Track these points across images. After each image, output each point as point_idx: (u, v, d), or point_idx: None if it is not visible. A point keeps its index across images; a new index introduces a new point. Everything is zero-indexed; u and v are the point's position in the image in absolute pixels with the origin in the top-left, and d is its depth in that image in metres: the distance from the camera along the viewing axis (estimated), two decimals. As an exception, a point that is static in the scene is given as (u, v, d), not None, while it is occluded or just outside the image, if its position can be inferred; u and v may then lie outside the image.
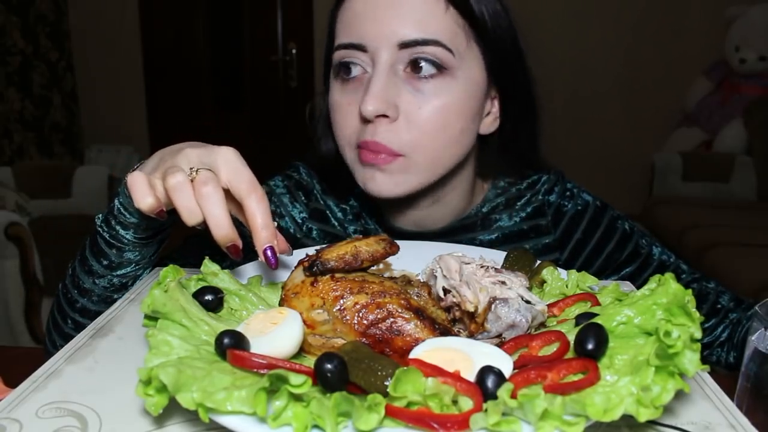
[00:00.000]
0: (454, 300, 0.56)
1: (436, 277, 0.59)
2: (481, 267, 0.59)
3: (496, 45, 0.82)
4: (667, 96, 4.35)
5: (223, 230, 0.60)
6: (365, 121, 0.79)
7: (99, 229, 0.76)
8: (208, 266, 0.64)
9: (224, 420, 0.43)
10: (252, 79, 4.83)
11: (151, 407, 0.44)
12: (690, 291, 0.49)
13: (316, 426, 0.42)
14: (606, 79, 4.35)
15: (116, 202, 0.74)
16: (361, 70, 0.80)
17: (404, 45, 0.77)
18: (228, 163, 0.61)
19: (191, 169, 0.61)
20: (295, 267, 0.59)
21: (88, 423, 0.47)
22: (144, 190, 0.62)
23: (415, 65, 0.77)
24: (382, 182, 0.81)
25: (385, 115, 0.77)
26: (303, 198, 0.99)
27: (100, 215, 0.77)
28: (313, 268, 0.57)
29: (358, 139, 0.81)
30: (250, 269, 0.72)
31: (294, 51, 4.66)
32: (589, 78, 4.33)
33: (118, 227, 0.74)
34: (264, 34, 4.71)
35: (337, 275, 0.56)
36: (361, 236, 0.60)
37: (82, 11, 4.68)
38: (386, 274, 0.64)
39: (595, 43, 4.34)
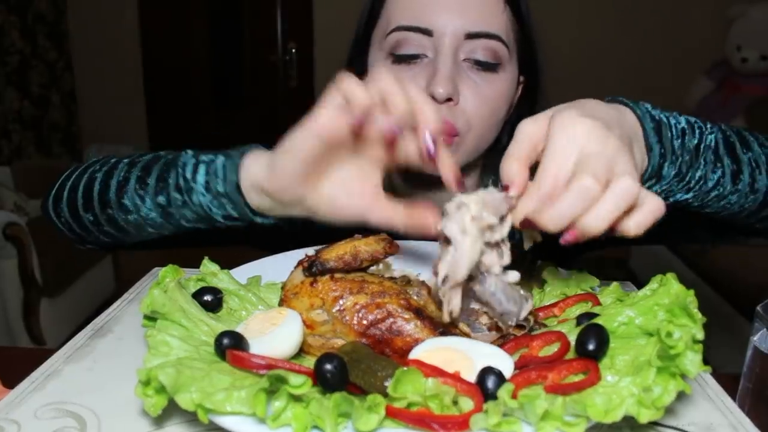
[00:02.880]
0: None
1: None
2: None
3: (528, 41, 0.90)
4: (668, 95, 4.34)
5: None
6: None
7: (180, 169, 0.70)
8: (208, 266, 0.64)
9: (223, 421, 0.42)
10: (252, 79, 4.82)
11: (150, 408, 0.44)
12: (692, 291, 0.49)
13: (315, 426, 0.42)
14: (607, 78, 4.35)
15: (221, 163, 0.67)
16: (422, 54, 0.83)
17: (470, 36, 0.81)
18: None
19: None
20: (295, 267, 0.59)
21: (86, 423, 0.47)
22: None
23: (475, 55, 0.82)
24: None
25: (450, 98, 0.81)
26: None
27: (191, 156, 0.71)
28: (313, 269, 0.56)
29: None
30: (250, 269, 0.72)
31: (294, 51, 4.66)
32: (589, 78, 4.33)
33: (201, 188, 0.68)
34: (264, 34, 4.71)
35: (337, 275, 0.56)
36: (360, 236, 0.60)
37: (81, 11, 4.67)
38: (386, 274, 0.63)
39: (595, 43, 4.34)
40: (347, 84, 0.57)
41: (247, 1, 4.67)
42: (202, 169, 0.68)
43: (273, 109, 4.77)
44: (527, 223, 0.50)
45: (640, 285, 0.60)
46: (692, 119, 0.64)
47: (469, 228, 0.50)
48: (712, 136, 0.65)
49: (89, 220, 0.77)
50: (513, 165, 0.53)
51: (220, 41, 4.79)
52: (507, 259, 0.54)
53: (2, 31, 3.98)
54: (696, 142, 0.63)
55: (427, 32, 0.82)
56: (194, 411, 0.42)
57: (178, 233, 0.76)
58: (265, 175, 0.63)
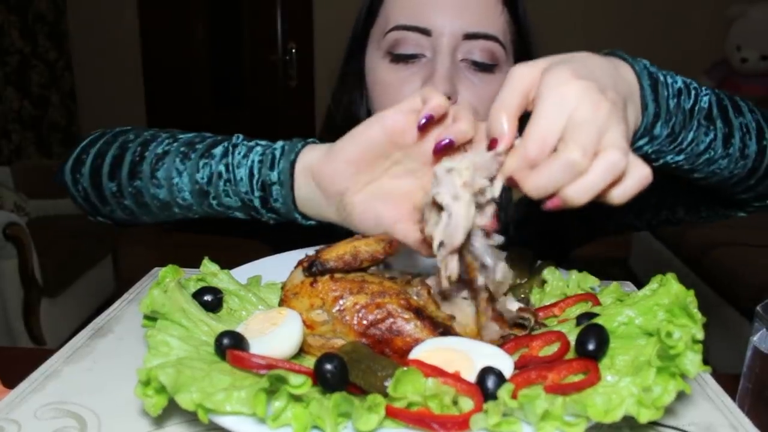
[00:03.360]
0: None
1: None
2: None
3: (525, 42, 0.90)
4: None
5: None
6: None
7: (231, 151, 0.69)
8: (208, 266, 0.64)
9: (223, 421, 0.42)
10: (252, 79, 4.82)
11: (150, 408, 0.44)
12: (692, 291, 0.49)
13: (315, 426, 0.42)
14: (606, 79, 4.36)
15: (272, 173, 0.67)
16: (420, 53, 0.84)
17: (468, 36, 0.81)
18: None
19: None
20: (295, 267, 0.59)
21: (87, 424, 0.47)
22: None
23: (473, 56, 0.83)
24: None
25: (448, 98, 0.80)
26: None
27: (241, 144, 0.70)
28: (313, 269, 0.56)
29: None
30: (250, 269, 0.72)
31: (294, 51, 4.66)
32: (588, 78, 4.33)
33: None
34: (264, 34, 4.71)
35: (337, 275, 0.56)
36: (360, 236, 0.60)
37: (81, 11, 4.67)
38: (386, 274, 0.63)
39: (595, 43, 4.33)
40: (430, 92, 0.59)
41: (247, 1, 4.67)
42: (258, 149, 0.68)
43: (273, 109, 4.77)
44: (511, 182, 0.50)
45: (640, 285, 0.60)
46: (688, 80, 0.64)
47: (462, 193, 0.50)
48: (707, 98, 0.64)
49: (111, 191, 0.75)
50: (502, 117, 0.51)
51: (220, 41, 4.79)
52: (489, 216, 0.53)
53: (2, 31, 3.98)
54: (691, 103, 0.62)
55: (425, 32, 0.82)
56: (194, 411, 0.42)
57: (199, 219, 0.75)
58: (321, 156, 0.64)
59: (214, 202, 0.70)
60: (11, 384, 0.54)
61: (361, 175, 0.62)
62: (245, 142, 0.70)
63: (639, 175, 0.48)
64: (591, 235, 1.02)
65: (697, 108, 0.63)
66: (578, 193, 0.47)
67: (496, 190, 0.52)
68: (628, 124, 0.51)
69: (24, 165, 3.60)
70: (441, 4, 0.82)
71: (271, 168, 0.66)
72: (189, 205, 0.72)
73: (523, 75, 0.52)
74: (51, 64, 4.49)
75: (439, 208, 0.51)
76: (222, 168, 0.68)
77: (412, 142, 0.61)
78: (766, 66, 3.89)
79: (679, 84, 0.62)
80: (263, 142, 0.70)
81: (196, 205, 0.72)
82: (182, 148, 0.71)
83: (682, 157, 0.63)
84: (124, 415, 0.48)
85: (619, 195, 0.48)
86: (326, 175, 0.63)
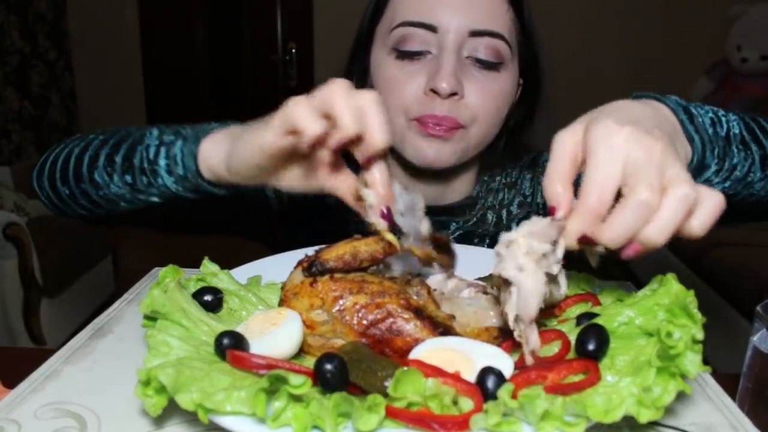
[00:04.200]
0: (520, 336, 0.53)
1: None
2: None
3: (529, 41, 0.91)
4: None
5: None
6: (433, 96, 0.83)
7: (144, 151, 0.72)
8: (208, 266, 0.64)
9: (223, 421, 0.42)
10: (252, 79, 4.82)
11: (151, 408, 0.44)
12: (692, 291, 0.49)
13: (315, 426, 0.42)
14: (607, 78, 4.35)
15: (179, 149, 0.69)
16: (425, 49, 0.84)
17: (474, 33, 0.82)
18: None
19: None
20: (294, 267, 0.59)
21: (87, 424, 0.47)
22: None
23: (478, 54, 0.83)
24: (441, 151, 0.85)
25: (454, 93, 0.82)
26: None
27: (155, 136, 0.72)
28: (312, 269, 0.56)
29: (419, 111, 0.84)
30: (250, 269, 0.72)
31: (294, 51, 4.66)
32: (589, 78, 4.33)
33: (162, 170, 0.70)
34: (264, 34, 4.71)
35: (336, 275, 0.56)
36: (360, 236, 0.60)
37: (81, 11, 4.67)
38: (386, 275, 0.63)
39: (595, 43, 4.34)
40: (294, 115, 0.55)
41: (247, 1, 4.67)
42: (162, 151, 0.70)
43: (273, 109, 4.75)
44: (585, 240, 0.48)
45: (640, 285, 0.60)
46: (714, 108, 0.64)
47: (526, 263, 0.49)
48: (735, 123, 0.65)
49: (65, 194, 0.79)
50: (557, 186, 0.51)
51: (220, 41, 4.79)
52: (564, 288, 0.54)
53: (2, 31, 3.98)
54: (725, 130, 0.63)
55: (431, 28, 0.82)
56: (194, 411, 0.42)
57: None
58: (223, 170, 0.65)
59: (150, 198, 0.73)
60: (11, 384, 0.54)
61: (269, 172, 0.62)
62: (156, 141, 0.71)
63: (713, 202, 0.47)
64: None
65: (732, 134, 0.63)
66: (656, 232, 0.46)
67: (559, 253, 0.50)
68: (681, 159, 0.51)
69: (24, 165, 3.60)
70: (447, 2, 0.82)
71: (180, 171, 0.69)
72: (130, 199, 0.75)
73: (566, 139, 0.51)
74: (51, 64, 4.49)
75: (507, 283, 0.50)
76: (141, 176, 0.71)
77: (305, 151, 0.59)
78: (766, 66, 3.89)
79: (711, 114, 0.63)
80: (168, 139, 0.71)
81: (137, 201, 0.75)
82: (108, 151, 0.75)
83: (728, 184, 0.64)
84: (124, 415, 0.48)
85: (698, 226, 0.47)
86: (235, 182, 0.65)
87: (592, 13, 4.35)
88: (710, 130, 0.61)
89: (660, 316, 0.49)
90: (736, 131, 0.64)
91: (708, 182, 0.62)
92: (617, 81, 4.30)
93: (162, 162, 0.70)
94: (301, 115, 0.55)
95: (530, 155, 1.03)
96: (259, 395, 0.42)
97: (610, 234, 0.46)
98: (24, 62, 4.20)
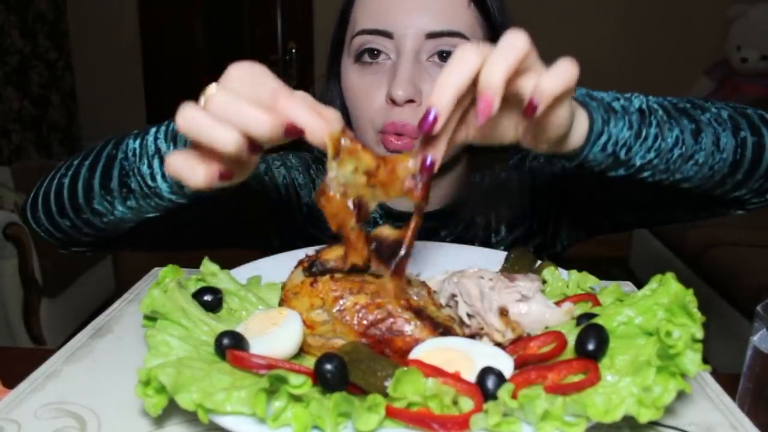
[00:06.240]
0: (480, 328, 0.55)
1: (456, 302, 0.58)
2: (499, 281, 0.59)
3: (499, 36, 0.87)
4: (668, 96, 4.34)
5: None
6: (392, 104, 0.82)
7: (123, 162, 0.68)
8: (208, 266, 0.64)
9: (224, 421, 0.42)
10: (251, 79, 4.82)
11: (151, 408, 0.44)
12: (691, 291, 0.49)
13: (315, 427, 0.42)
14: (607, 79, 4.35)
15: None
16: (384, 56, 0.83)
17: (431, 35, 0.80)
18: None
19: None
20: (295, 267, 0.59)
21: (86, 423, 0.47)
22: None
23: (439, 55, 0.82)
24: None
25: (412, 100, 0.81)
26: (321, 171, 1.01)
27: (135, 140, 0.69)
28: (313, 269, 0.56)
29: (382, 121, 0.83)
30: (250, 269, 0.72)
31: (294, 51, 4.66)
32: (589, 78, 4.31)
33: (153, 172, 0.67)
34: (264, 34, 4.71)
35: (337, 275, 0.56)
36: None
37: (81, 11, 4.67)
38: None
39: (595, 43, 4.34)
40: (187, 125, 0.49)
41: (247, 1, 4.67)
42: (159, 174, 0.66)
43: (273, 109, 4.77)
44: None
45: (639, 285, 0.60)
46: (628, 94, 0.66)
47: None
48: (654, 99, 0.66)
49: (67, 225, 0.77)
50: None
51: (220, 41, 4.79)
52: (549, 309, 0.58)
53: (2, 31, 3.98)
54: (638, 104, 0.64)
55: (387, 35, 0.81)
56: (194, 411, 0.42)
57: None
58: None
59: (158, 211, 0.70)
60: (11, 384, 0.54)
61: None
62: (148, 169, 0.67)
63: (563, 65, 0.50)
64: (586, 233, 1.02)
65: (645, 106, 0.65)
66: (490, 73, 0.48)
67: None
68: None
69: (24, 165, 3.60)
70: (402, 6, 0.81)
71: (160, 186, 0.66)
72: (136, 218, 0.72)
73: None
74: (51, 64, 4.49)
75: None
76: (144, 201, 0.68)
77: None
78: (766, 66, 3.89)
79: (617, 95, 0.65)
80: (157, 162, 0.67)
81: (144, 216, 0.72)
82: (101, 180, 0.71)
83: (653, 155, 0.63)
84: (124, 415, 0.48)
85: (550, 82, 0.50)
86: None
87: (592, 13, 4.35)
88: (617, 103, 0.63)
89: (659, 315, 0.49)
90: (653, 104, 0.65)
91: (629, 150, 0.62)
92: (617, 81, 4.29)
93: (163, 186, 0.66)
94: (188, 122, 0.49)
95: (519, 155, 1.02)
96: (259, 395, 0.42)
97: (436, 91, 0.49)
98: (24, 62, 4.21)
